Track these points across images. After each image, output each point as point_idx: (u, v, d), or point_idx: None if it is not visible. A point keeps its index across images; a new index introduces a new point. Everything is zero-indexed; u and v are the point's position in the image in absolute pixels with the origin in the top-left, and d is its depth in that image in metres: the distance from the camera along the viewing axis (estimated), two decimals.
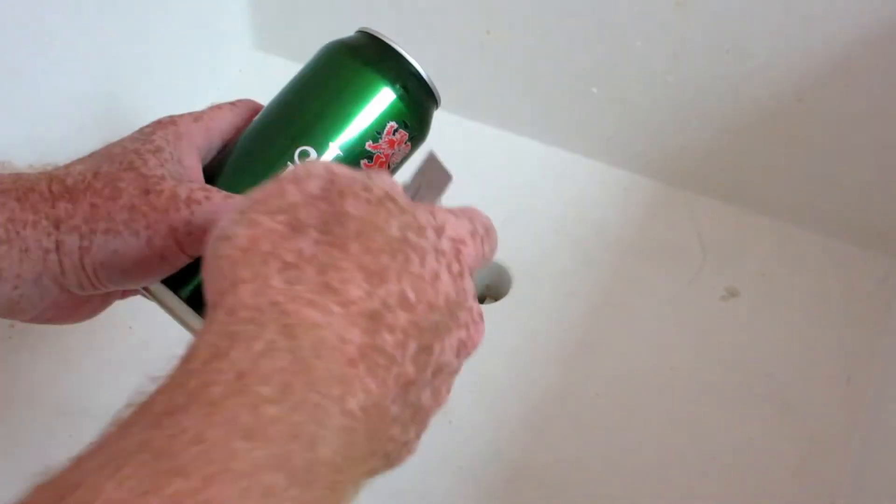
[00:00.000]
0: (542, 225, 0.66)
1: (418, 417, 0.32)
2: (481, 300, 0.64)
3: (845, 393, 0.57)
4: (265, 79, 0.74)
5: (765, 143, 0.63)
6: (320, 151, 0.41)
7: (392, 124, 0.42)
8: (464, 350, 0.32)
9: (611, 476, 0.53)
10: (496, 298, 0.63)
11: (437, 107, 0.45)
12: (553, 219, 0.66)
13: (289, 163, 0.40)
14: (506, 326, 0.60)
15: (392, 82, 0.43)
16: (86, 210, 0.37)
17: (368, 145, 0.42)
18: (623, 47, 0.62)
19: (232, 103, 0.44)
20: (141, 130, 0.41)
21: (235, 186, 0.41)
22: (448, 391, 0.33)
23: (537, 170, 0.69)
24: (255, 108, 0.45)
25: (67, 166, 0.39)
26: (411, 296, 0.29)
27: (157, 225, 0.37)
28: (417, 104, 0.44)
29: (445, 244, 0.32)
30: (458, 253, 0.32)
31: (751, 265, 0.63)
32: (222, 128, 0.43)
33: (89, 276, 0.38)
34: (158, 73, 0.67)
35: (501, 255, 0.64)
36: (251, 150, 0.42)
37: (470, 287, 0.33)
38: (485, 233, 0.35)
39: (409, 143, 0.44)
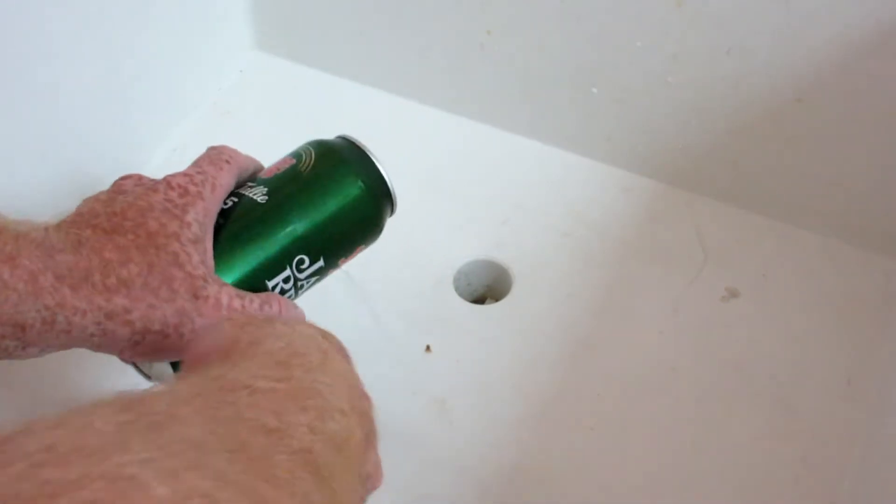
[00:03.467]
0: (542, 225, 0.66)
1: None
2: (481, 300, 0.64)
3: (845, 393, 0.57)
4: (265, 79, 0.75)
5: (765, 143, 0.63)
6: (312, 262, 0.46)
7: (362, 247, 0.50)
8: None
9: (611, 476, 0.53)
10: (496, 298, 0.63)
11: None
12: (553, 219, 0.66)
13: (287, 265, 0.45)
14: (506, 326, 0.60)
15: (382, 221, 0.50)
16: (143, 310, 0.38)
17: (341, 261, 0.49)
18: (623, 47, 0.62)
19: (227, 161, 0.45)
20: (168, 197, 0.41)
21: (233, 271, 0.44)
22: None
23: (537, 170, 0.69)
24: (243, 167, 0.47)
25: (113, 241, 0.38)
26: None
27: (200, 329, 0.39)
28: (383, 226, 0.51)
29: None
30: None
31: (751, 265, 0.63)
32: (225, 193, 0.45)
33: (117, 353, 0.40)
34: (159, 73, 0.67)
35: (501, 255, 0.64)
36: (253, 243, 0.45)
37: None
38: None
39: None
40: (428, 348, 0.59)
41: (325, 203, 0.47)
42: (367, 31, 0.71)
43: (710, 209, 0.66)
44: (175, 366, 0.43)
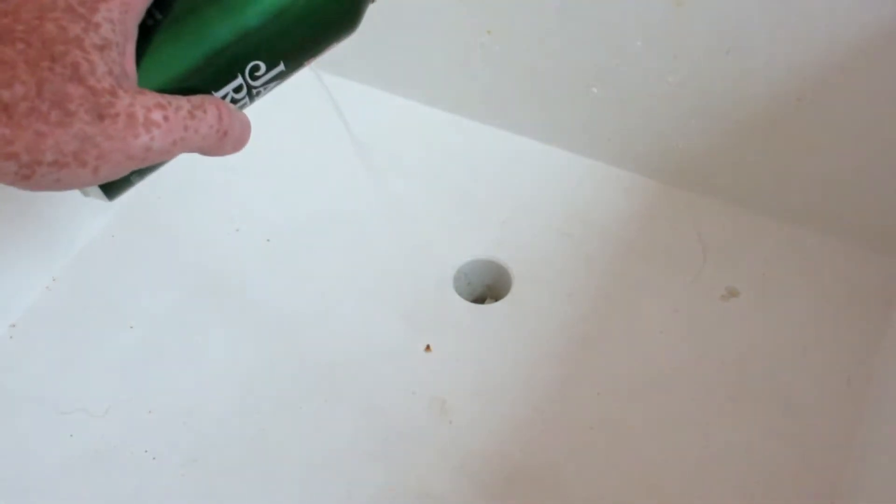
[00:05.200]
0: (542, 225, 0.66)
1: None
2: (481, 300, 0.64)
3: (845, 393, 0.57)
4: None
5: (765, 143, 0.63)
6: (270, 67, 0.39)
7: (334, 44, 0.42)
8: None
9: (611, 475, 0.53)
10: (496, 298, 0.63)
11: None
12: (553, 219, 0.66)
13: (237, 73, 0.38)
14: (506, 326, 0.60)
15: (359, 10, 0.42)
16: (29, 138, 0.32)
17: (307, 62, 0.41)
18: (623, 47, 0.62)
19: None
20: None
21: (170, 81, 0.37)
22: None
23: (537, 170, 0.69)
24: None
25: None
26: None
27: (110, 154, 0.33)
28: (361, 16, 0.43)
29: None
30: None
31: (751, 265, 0.63)
32: None
33: (8, 185, 0.34)
34: None
35: (501, 255, 0.64)
36: (196, 47, 0.37)
37: None
38: None
39: None
40: (428, 348, 0.59)
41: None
42: (367, 31, 0.70)
43: (710, 209, 0.66)
44: (105, 188, 0.38)
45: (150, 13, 0.37)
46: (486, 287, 0.65)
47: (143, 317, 0.60)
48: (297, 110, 0.72)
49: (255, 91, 0.40)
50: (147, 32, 0.36)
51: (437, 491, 0.52)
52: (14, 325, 0.59)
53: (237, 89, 0.39)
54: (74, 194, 0.41)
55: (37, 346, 0.59)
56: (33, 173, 0.32)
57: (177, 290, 0.61)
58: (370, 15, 0.73)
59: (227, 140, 0.38)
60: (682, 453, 0.54)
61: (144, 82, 0.36)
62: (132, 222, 0.65)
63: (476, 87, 0.70)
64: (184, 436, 0.54)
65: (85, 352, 0.58)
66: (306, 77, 0.73)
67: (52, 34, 0.32)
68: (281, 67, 0.40)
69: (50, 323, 0.60)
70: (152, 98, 0.34)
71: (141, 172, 0.38)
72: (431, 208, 0.67)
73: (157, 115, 0.34)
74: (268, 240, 0.64)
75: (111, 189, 0.38)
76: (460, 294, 0.62)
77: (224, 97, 0.38)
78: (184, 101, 0.35)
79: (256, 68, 0.39)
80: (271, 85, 0.40)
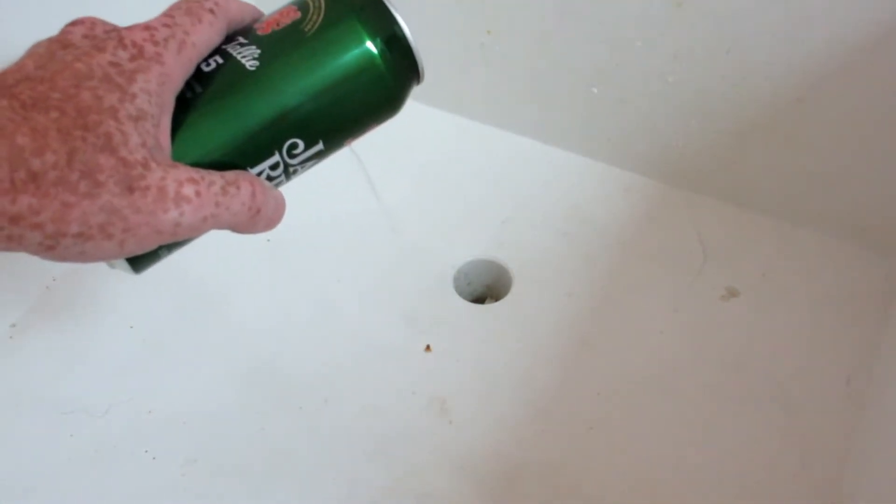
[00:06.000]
0: (542, 225, 0.66)
1: None
2: (481, 300, 0.64)
3: (845, 393, 0.57)
4: None
5: (765, 143, 0.63)
6: (309, 146, 0.39)
7: (375, 126, 0.41)
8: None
9: (610, 475, 0.53)
10: (496, 298, 0.63)
11: (418, 83, 0.43)
12: (553, 219, 0.66)
13: (275, 150, 0.38)
14: (506, 326, 0.60)
15: (402, 95, 0.41)
16: (55, 209, 0.31)
17: (347, 142, 0.41)
18: (623, 47, 0.62)
19: (211, 10, 0.36)
20: (115, 59, 0.33)
21: (205, 156, 0.36)
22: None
23: (537, 170, 0.69)
24: (234, 17, 0.38)
25: (30, 122, 0.30)
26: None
27: (137, 228, 0.32)
28: (404, 100, 0.42)
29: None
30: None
31: (751, 265, 0.63)
32: (202, 54, 0.36)
33: (31, 253, 0.33)
34: None
35: (501, 255, 0.64)
36: (234, 122, 0.37)
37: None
38: None
39: None
40: (428, 348, 0.59)
41: (330, 75, 0.38)
42: None
43: (710, 209, 0.66)
44: (132, 261, 0.37)
45: (188, 85, 0.36)
46: (486, 287, 0.65)
47: (143, 317, 0.60)
48: None
49: (291, 169, 0.39)
50: (185, 105, 0.36)
51: (437, 491, 0.52)
52: (14, 325, 0.59)
53: (274, 166, 0.38)
54: None
55: (37, 346, 0.59)
56: (57, 245, 0.32)
57: (177, 290, 0.61)
58: None
59: (260, 218, 0.37)
60: (681, 453, 0.54)
61: (179, 155, 0.35)
62: None
63: (476, 87, 0.70)
64: (184, 436, 0.54)
65: (85, 352, 0.58)
66: None
67: (87, 103, 0.32)
68: (319, 146, 0.39)
69: (50, 323, 0.60)
70: (185, 172, 0.34)
71: (169, 247, 0.38)
72: (431, 208, 0.67)
73: (188, 190, 0.33)
74: (268, 240, 0.64)
75: (138, 262, 0.37)
76: (460, 294, 0.62)
77: (260, 174, 0.38)
78: (217, 177, 0.35)
79: (294, 146, 0.38)
80: (309, 164, 0.40)
